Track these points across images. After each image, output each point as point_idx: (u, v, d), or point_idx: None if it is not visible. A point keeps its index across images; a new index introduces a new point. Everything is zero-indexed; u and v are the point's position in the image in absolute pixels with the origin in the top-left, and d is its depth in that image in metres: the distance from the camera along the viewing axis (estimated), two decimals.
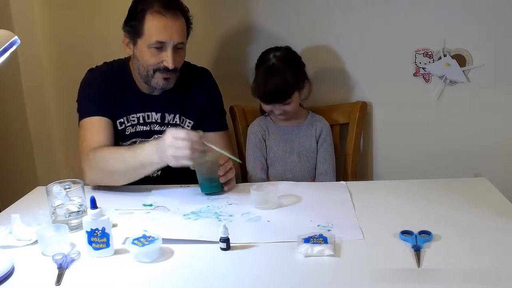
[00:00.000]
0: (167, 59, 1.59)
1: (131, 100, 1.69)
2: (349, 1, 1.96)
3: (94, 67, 1.74)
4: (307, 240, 1.14)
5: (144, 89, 1.71)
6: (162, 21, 1.56)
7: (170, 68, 1.60)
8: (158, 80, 1.64)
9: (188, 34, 1.66)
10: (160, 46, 1.58)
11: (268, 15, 2.02)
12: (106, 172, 1.53)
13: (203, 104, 1.75)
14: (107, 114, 1.65)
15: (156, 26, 1.57)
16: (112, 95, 1.67)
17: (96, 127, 1.63)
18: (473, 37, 1.92)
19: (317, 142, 1.84)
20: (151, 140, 1.71)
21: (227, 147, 1.73)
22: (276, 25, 2.01)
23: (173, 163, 1.41)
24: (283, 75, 1.71)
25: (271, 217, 1.34)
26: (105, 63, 1.74)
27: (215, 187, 1.51)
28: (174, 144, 1.39)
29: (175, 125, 1.73)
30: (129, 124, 1.70)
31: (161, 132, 1.72)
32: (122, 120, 1.69)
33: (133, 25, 1.61)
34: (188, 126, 1.75)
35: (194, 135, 1.40)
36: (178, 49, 1.61)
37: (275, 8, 2.01)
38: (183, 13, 1.63)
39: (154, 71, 1.62)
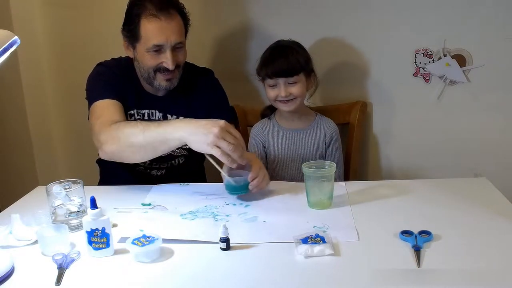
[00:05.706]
0: (167, 61, 1.59)
1: (136, 97, 1.70)
2: (348, 1, 1.96)
3: (102, 61, 1.73)
4: (304, 241, 1.14)
5: (148, 89, 1.72)
6: (157, 24, 1.56)
7: (170, 69, 1.60)
8: (161, 82, 1.64)
9: (186, 31, 1.65)
10: (158, 49, 1.58)
11: (268, 15, 2.02)
12: (125, 144, 1.46)
13: (209, 104, 1.74)
14: (120, 100, 1.63)
15: (152, 30, 1.56)
16: (121, 88, 1.67)
17: (111, 108, 1.59)
18: (473, 37, 1.91)
19: (326, 148, 1.80)
20: None
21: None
22: (275, 25, 2.01)
23: (202, 148, 1.37)
24: (292, 50, 1.72)
25: (267, 217, 1.34)
26: (113, 59, 1.75)
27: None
28: (224, 136, 1.35)
29: None
30: (138, 117, 1.69)
31: None
32: (132, 112, 1.69)
33: (130, 30, 1.61)
34: None
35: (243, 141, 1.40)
36: (177, 48, 1.61)
37: (274, 8, 2.01)
38: (179, 11, 1.61)
39: (155, 72, 1.62)
